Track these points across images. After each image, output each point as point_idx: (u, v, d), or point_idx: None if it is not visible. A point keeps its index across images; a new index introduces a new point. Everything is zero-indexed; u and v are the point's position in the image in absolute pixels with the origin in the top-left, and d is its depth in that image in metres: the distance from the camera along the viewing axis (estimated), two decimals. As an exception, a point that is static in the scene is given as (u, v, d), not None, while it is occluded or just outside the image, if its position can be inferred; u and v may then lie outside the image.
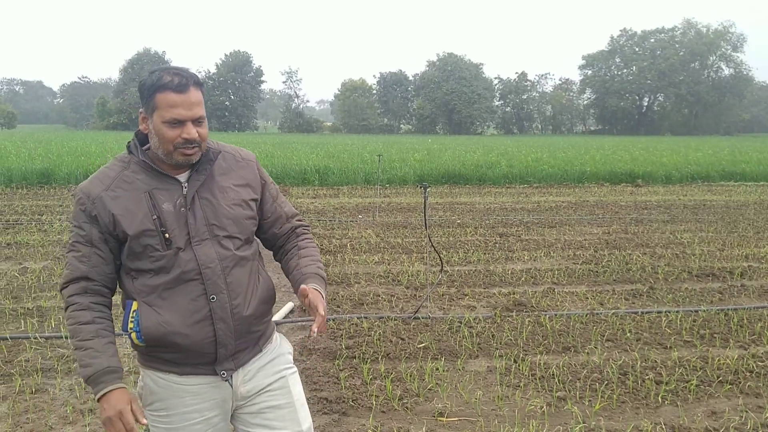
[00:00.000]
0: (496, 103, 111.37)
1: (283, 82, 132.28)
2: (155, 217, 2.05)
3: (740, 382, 4.79)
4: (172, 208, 2.08)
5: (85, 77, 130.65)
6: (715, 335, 5.84)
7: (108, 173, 2.13)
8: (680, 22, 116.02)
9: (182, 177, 2.14)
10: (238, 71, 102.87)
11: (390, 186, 19.23)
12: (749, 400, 4.54)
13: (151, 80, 2.05)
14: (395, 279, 7.78)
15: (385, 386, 4.63)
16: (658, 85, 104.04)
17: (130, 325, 2.07)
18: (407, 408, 4.38)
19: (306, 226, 2.46)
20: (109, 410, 2.02)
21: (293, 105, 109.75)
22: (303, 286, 2.14)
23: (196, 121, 2.08)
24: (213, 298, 2.09)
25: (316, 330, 2.08)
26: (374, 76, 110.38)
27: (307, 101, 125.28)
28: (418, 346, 5.51)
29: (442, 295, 7.12)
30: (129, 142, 2.17)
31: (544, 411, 4.34)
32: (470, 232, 11.13)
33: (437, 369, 5.03)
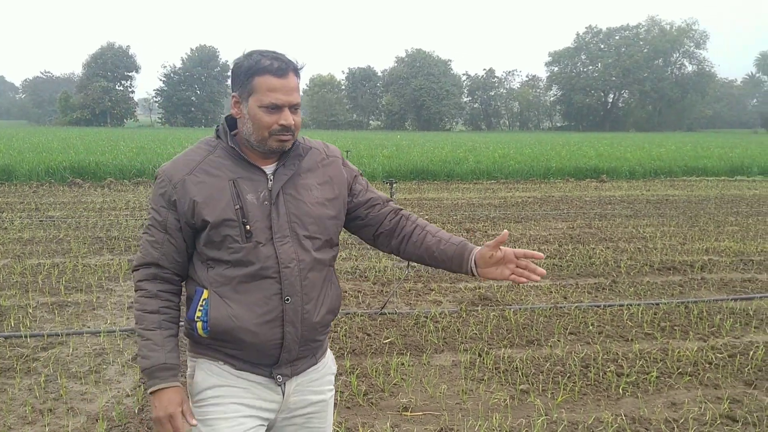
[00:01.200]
0: (465, 99, 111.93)
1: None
2: (238, 207, 1.97)
3: (699, 374, 4.89)
4: (256, 201, 1.99)
5: (48, 72, 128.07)
6: (675, 328, 5.95)
7: (193, 156, 2.04)
8: (644, 19, 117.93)
9: (268, 169, 2.05)
10: (205, 66, 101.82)
11: (358, 182, 19.19)
12: (708, 391, 4.64)
13: (249, 63, 1.96)
14: (362, 275, 7.78)
15: (350, 382, 4.64)
16: (622, 81, 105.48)
17: (198, 314, 2.01)
18: (372, 403, 4.39)
19: (403, 209, 2.32)
20: (160, 410, 1.99)
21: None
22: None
23: (293, 108, 1.99)
24: (287, 300, 2.00)
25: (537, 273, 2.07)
26: (343, 71, 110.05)
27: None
28: (384, 341, 5.52)
29: (409, 290, 7.15)
30: (218, 126, 2.10)
31: (507, 404, 4.38)
32: (439, 227, 11.15)
33: (403, 364, 5.04)
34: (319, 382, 2.21)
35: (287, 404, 2.13)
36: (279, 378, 2.08)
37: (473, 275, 2.16)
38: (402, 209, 2.30)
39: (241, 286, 1.99)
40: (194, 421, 2.02)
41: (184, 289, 2.14)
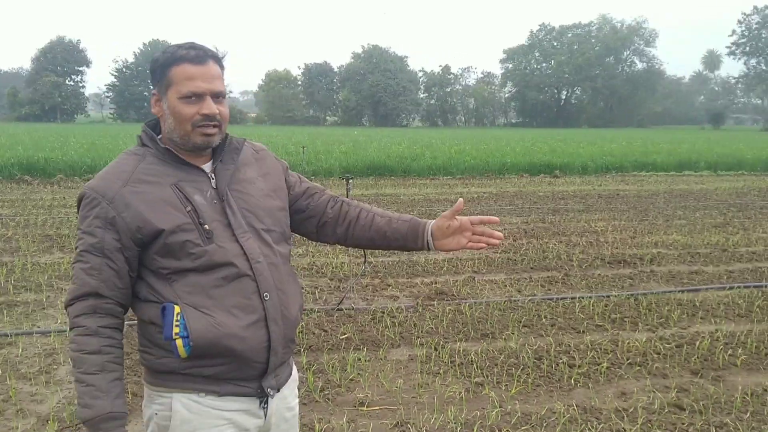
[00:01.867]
0: (421, 95, 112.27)
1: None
2: (189, 209, 1.82)
3: (648, 364, 5.03)
4: (204, 201, 1.86)
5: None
6: (625, 319, 6.10)
7: (122, 168, 1.86)
8: (596, 17, 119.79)
9: (206, 167, 1.93)
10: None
11: (315, 178, 19.13)
12: (657, 380, 4.77)
13: (165, 56, 1.86)
14: (319, 271, 7.78)
15: (306, 378, 4.64)
16: (575, 78, 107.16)
17: (175, 331, 1.77)
18: (329, 399, 4.41)
19: (338, 198, 2.23)
20: None
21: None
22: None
23: (216, 97, 1.86)
24: (266, 296, 1.87)
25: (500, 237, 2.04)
26: (299, 67, 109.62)
27: (231, 92, 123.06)
28: (341, 337, 5.54)
29: (366, 286, 7.17)
30: (140, 135, 1.94)
31: (462, 397, 4.44)
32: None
33: (359, 359, 5.07)
34: (293, 396, 2.11)
35: (267, 425, 1.99)
36: (270, 392, 1.94)
37: (429, 249, 2.12)
38: (340, 197, 2.24)
39: (215, 291, 1.83)
40: None
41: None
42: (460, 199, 2.02)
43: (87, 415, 1.76)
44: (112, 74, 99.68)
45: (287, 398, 2.06)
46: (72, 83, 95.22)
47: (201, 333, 1.79)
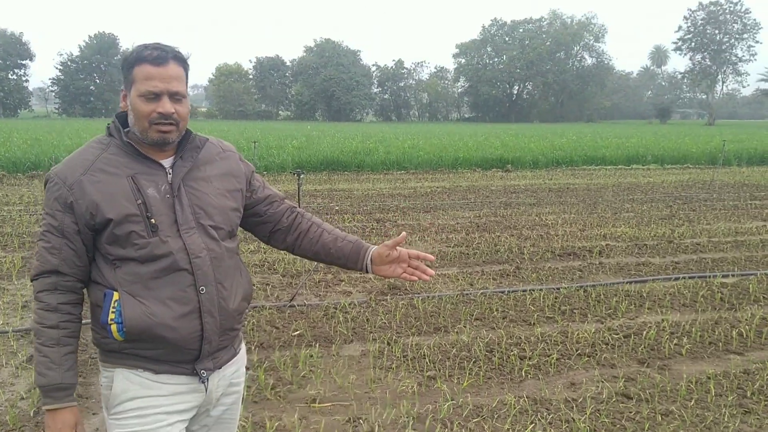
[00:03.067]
0: (375, 90, 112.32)
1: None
2: (140, 201, 1.94)
3: (597, 354, 5.11)
4: (158, 194, 1.97)
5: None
6: (574, 311, 6.19)
7: (86, 156, 1.98)
8: (547, 13, 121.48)
9: (166, 162, 2.03)
10: (104, 54, 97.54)
11: (267, 173, 18.98)
12: (605, 370, 4.86)
13: (131, 55, 1.97)
14: (271, 267, 7.70)
15: (257, 376, 4.58)
16: (526, 73, 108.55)
17: (111, 317, 1.93)
18: (280, 396, 4.36)
19: (295, 210, 2.37)
20: (53, 430, 1.97)
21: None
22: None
23: (173, 96, 1.96)
24: (202, 290, 1.99)
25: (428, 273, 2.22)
26: (250, 60, 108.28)
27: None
28: (293, 334, 5.49)
29: (319, 281, 7.12)
30: (109, 124, 2.05)
31: (415, 391, 4.45)
32: (348, 219, 11.19)
33: (311, 356, 5.03)
34: (238, 374, 2.24)
35: (209, 398, 2.13)
36: (203, 373, 2.05)
37: (366, 272, 2.26)
38: (297, 207, 2.37)
39: (153, 282, 1.95)
40: None
41: (86, 297, 2.07)
42: (403, 233, 2.16)
43: (41, 382, 1.97)
44: (57, 68, 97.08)
45: (230, 376, 2.20)
46: (15, 77, 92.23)
47: (134, 321, 1.93)
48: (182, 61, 2.01)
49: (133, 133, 2.00)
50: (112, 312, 1.94)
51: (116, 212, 1.92)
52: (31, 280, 2.03)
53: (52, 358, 1.95)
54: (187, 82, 2.04)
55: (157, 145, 2.00)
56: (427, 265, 2.28)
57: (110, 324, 1.94)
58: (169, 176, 2.01)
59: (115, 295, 1.95)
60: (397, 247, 2.21)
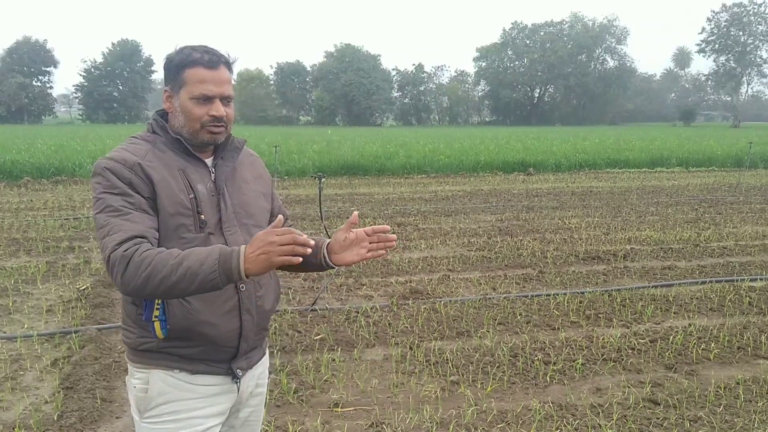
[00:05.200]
0: (395, 94, 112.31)
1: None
2: (192, 196, 1.96)
3: (623, 359, 5.03)
4: (205, 191, 2.00)
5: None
6: (599, 315, 6.11)
7: (137, 148, 1.98)
8: (568, 15, 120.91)
9: (208, 162, 2.07)
10: (127, 61, 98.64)
11: (288, 178, 19.05)
12: (631, 376, 4.78)
13: (180, 57, 1.98)
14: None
15: (280, 380, 4.57)
16: (548, 76, 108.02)
17: (155, 314, 1.93)
18: (302, 401, 4.34)
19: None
20: (260, 249, 1.73)
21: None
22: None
23: (224, 100, 2.01)
24: (242, 288, 2.01)
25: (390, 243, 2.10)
26: (271, 66, 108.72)
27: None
28: (315, 338, 5.47)
29: (340, 285, 7.11)
30: (151, 122, 2.07)
31: (438, 396, 4.41)
32: (369, 223, 11.16)
33: (334, 360, 5.01)
34: (264, 374, 2.28)
35: (240, 398, 2.16)
36: (239, 372, 2.08)
37: (326, 265, 2.14)
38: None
39: None
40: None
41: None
42: (355, 213, 2.10)
43: (212, 260, 1.75)
44: (81, 74, 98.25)
45: (259, 376, 2.23)
46: (39, 84, 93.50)
47: (178, 318, 1.93)
48: (230, 65, 2.05)
49: (178, 133, 2.03)
50: (156, 309, 1.93)
51: (172, 203, 1.93)
52: (111, 253, 1.79)
53: (196, 252, 1.78)
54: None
55: (206, 145, 2.04)
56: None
57: (154, 321, 1.94)
58: (213, 175, 2.05)
59: None
60: (353, 229, 2.11)
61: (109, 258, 1.80)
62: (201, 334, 1.97)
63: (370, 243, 2.12)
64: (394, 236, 2.15)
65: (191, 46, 2.01)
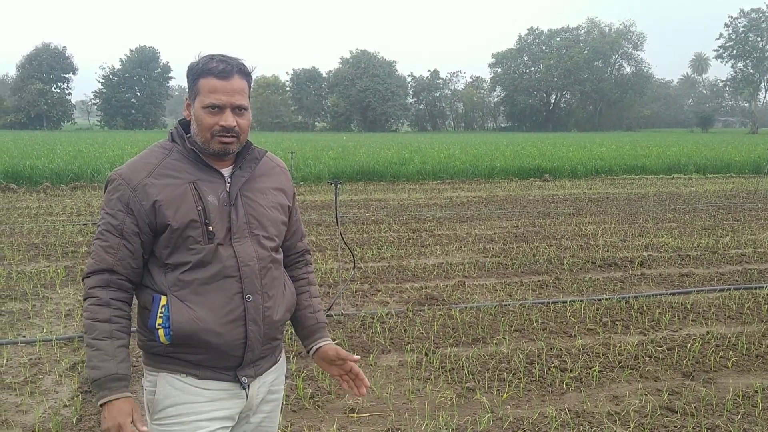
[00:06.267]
0: (410, 100, 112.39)
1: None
2: (200, 208, 1.99)
3: (640, 367, 5.00)
4: (216, 202, 2.02)
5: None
6: (616, 322, 6.08)
7: (150, 159, 2.04)
8: (584, 21, 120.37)
9: (225, 171, 2.08)
10: (145, 67, 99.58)
11: (304, 184, 19.11)
12: (648, 383, 4.75)
13: (197, 66, 2.01)
14: (308, 277, 7.71)
15: (296, 385, 4.59)
16: (564, 82, 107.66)
17: (159, 321, 1.97)
18: (318, 406, 4.35)
19: (310, 254, 2.46)
20: (110, 420, 1.93)
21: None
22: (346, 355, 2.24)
23: (236, 110, 2.02)
24: (249, 298, 2.03)
25: (362, 389, 2.28)
26: (287, 72, 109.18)
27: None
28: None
29: (356, 291, 7.12)
30: (172, 130, 2.13)
31: (453, 402, 4.40)
32: (384, 229, 11.18)
33: (349, 365, 5.01)
34: (277, 382, 2.26)
35: (249, 405, 2.15)
36: (244, 380, 2.08)
37: (308, 353, 2.32)
38: (308, 251, 2.44)
39: (202, 288, 1.99)
40: (145, 429, 1.95)
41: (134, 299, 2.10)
42: (357, 357, 2.26)
43: (95, 375, 1.94)
44: (99, 81, 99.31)
45: (270, 383, 2.22)
46: (58, 90, 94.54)
47: (181, 325, 1.97)
48: (246, 75, 2.05)
49: (195, 141, 2.06)
50: (160, 317, 1.98)
51: (178, 217, 1.96)
52: (84, 278, 2.04)
53: (106, 350, 1.94)
54: (249, 94, 2.09)
55: (218, 155, 2.05)
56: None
57: (158, 328, 1.98)
58: (228, 185, 2.06)
59: (163, 300, 1.99)
60: (345, 361, 2.25)
61: (83, 281, 2.04)
62: (205, 341, 1.99)
63: (347, 376, 2.27)
64: (364, 392, 2.30)
65: (210, 55, 2.03)
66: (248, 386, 2.10)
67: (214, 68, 1.98)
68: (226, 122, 1.99)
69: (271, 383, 2.23)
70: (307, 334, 2.31)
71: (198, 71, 2.00)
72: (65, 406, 4.36)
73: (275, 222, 2.15)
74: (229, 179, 2.07)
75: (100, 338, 1.95)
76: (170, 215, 1.96)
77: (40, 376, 4.84)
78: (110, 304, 1.97)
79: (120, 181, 2.00)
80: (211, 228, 1.99)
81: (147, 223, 1.98)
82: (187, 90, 2.09)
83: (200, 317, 1.97)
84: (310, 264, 2.42)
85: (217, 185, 2.04)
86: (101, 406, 1.94)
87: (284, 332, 2.28)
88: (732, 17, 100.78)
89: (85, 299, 2.01)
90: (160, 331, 1.98)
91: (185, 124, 2.13)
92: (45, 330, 5.86)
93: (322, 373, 4.82)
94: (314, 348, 2.29)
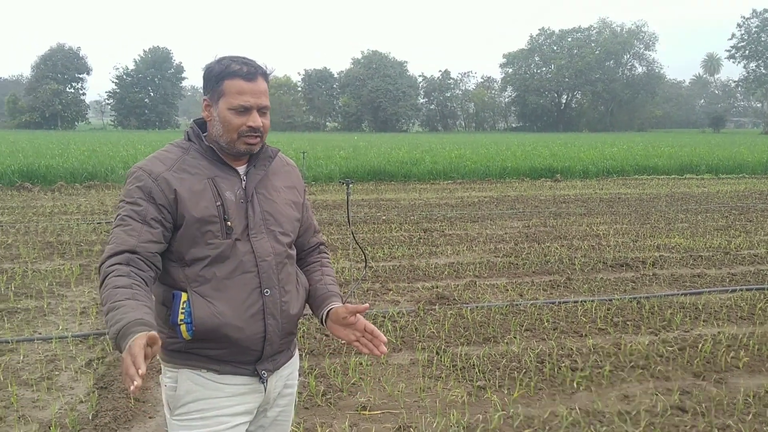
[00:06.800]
0: (421, 100, 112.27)
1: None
2: (219, 203, 2.03)
3: (651, 367, 5.01)
4: (233, 198, 2.07)
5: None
6: (627, 322, 6.08)
7: (169, 156, 2.07)
8: (596, 21, 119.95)
9: (241, 169, 2.13)
10: (158, 67, 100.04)
11: (316, 183, 19.17)
12: (659, 383, 4.76)
13: (220, 67, 2.04)
14: (320, 276, 7.75)
15: (308, 383, 4.63)
16: (575, 82, 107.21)
17: (180, 317, 1.98)
18: (331, 403, 4.40)
19: (326, 246, 2.49)
20: (126, 358, 1.61)
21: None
22: (349, 306, 2.18)
23: (261, 111, 2.07)
24: (267, 292, 2.07)
25: (382, 347, 2.17)
26: (299, 73, 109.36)
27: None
28: (342, 341, 5.51)
29: (367, 290, 7.16)
30: (187, 130, 2.16)
31: (464, 400, 4.43)
32: (395, 228, 11.21)
33: (361, 364, 5.05)
34: (292, 376, 2.31)
35: (267, 398, 2.20)
36: (263, 374, 2.12)
37: (323, 324, 2.26)
38: (323, 243, 2.45)
39: (222, 284, 2.03)
40: (143, 367, 1.58)
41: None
42: (366, 304, 2.17)
43: (118, 327, 1.70)
44: (113, 81, 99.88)
45: (286, 377, 2.27)
46: (72, 90, 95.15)
47: (203, 320, 1.99)
48: (267, 76, 2.11)
49: (216, 141, 2.09)
50: (182, 313, 1.99)
51: (197, 210, 2.00)
52: (101, 264, 1.92)
53: (128, 305, 1.75)
54: None
55: (241, 155, 2.10)
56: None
57: (180, 324, 1.99)
58: (243, 182, 2.11)
59: (184, 296, 2.01)
60: (358, 315, 2.19)
61: (99, 268, 1.94)
62: (226, 336, 2.02)
63: (362, 336, 2.19)
64: (385, 349, 2.19)
65: (230, 57, 2.06)
66: (267, 380, 2.14)
67: (239, 70, 2.02)
68: (254, 123, 2.04)
69: (287, 377, 2.27)
70: (318, 303, 2.28)
71: (222, 73, 2.03)
72: (81, 402, 4.42)
73: (290, 219, 2.19)
74: (245, 177, 2.12)
75: (120, 299, 1.77)
76: (191, 208, 1.99)
77: (57, 373, 4.91)
78: (130, 275, 1.86)
79: (141, 173, 2.02)
80: (229, 223, 2.03)
81: (169, 212, 1.99)
82: (202, 91, 2.12)
83: (221, 312, 2.00)
84: (326, 253, 2.44)
85: (233, 182, 2.09)
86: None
87: (298, 326, 2.31)
88: (744, 17, 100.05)
89: (102, 279, 1.86)
90: (183, 327, 1.99)
91: (199, 124, 2.17)
92: (61, 327, 5.93)
93: (335, 371, 4.87)
94: (325, 312, 2.23)
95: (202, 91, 2.15)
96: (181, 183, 2.01)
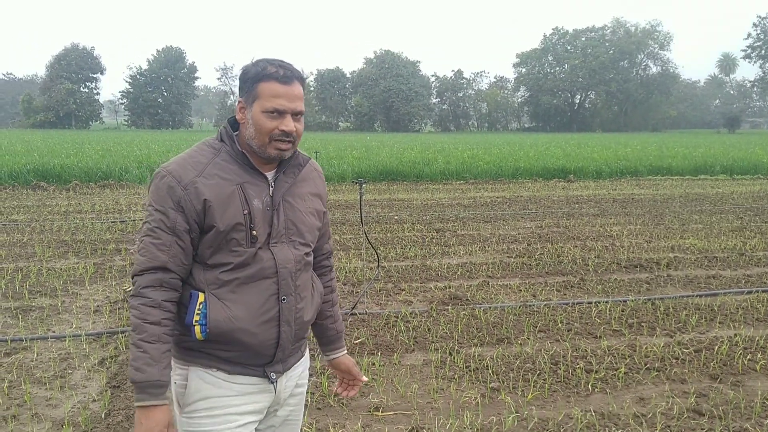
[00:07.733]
0: (433, 100, 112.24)
1: (218, 79, 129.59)
2: (246, 212, 2.01)
3: (666, 369, 4.96)
4: (261, 206, 2.05)
5: (10, 74, 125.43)
6: (642, 324, 6.03)
7: (199, 158, 2.05)
8: (610, 21, 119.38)
9: (269, 175, 2.11)
10: (171, 67, 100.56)
11: (328, 183, 19.16)
12: (675, 386, 4.71)
13: (256, 70, 2.02)
14: (332, 276, 7.74)
15: (320, 383, 4.62)
16: (589, 82, 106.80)
17: (196, 318, 2.00)
18: (343, 404, 4.38)
19: (332, 255, 2.50)
20: (146, 427, 1.94)
21: (229, 102, 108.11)
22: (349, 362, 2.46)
23: (295, 115, 2.05)
24: (284, 299, 2.08)
25: (352, 393, 2.50)
26: (311, 73, 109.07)
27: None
28: (355, 342, 5.51)
29: (380, 290, 7.14)
30: (221, 129, 2.13)
31: (478, 402, 4.40)
32: (408, 228, 11.19)
33: (373, 364, 5.04)
34: (303, 375, 2.32)
35: (278, 398, 2.20)
36: (273, 375, 2.13)
37: (324, 356, 2.49)
38: (331, 253, 2.48)
39: (240, 288, 2.03)
40: None
41: None
42: (365, 379, 2.52)
43: (138, 378, 1.94)
44: (126, 81, 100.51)
45: (297, 377, 2.28)
46: (86, 90, 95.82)
47: (218, 323, 2.00)
48: (303, 81, 2.10)
49: (248, 144, 2.07)
50: (197, 314, 2.00)
51: (225, 218, 1.99)
52: (134, 276, 2.02)
53: (152, 354, 1.94)
54: None
55: (272, 160, 2.07)
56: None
57: (194, 325, 2.01)
58: (271, 189, 2.09)
59: (201, 297, 2.01)
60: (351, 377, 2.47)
61: (133, 279, 2.03)
62: (239, 340, 2.03)
63: (343, 380, 2.49)
64: (353, 393, 2.52)
65: (267, 60, 2.04)
66: (276, 381, 2.15)
67: (275, 73, 2.00)
68: (287, 127, 2.01)
69: (299, 376, 2.28)
70: (326, 342, 2.43)
71: (257, 75, 2.01)
72: (94, 400, 4.43)
73: (311, 228, 2.19)
74: (273, 183, 2.10)
75: (148, 341, 1.94)
76: (218, 216, 1.98)
77: (70, 371, 4.92)
78: (162, 306, 1.97)
79: (170, 178, 1.99)
80: (254, 232, 2.02)
81: (196, 221, 2.00)
82: (240, 93, 2.09)
83: (236, 316, 2.01)
84: (333, 269, 2.47)
85: (261, 189, 2.07)
86: (139, 408, 1.96)
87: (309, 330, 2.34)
88: (761, 17, 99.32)
89: (133, 296, 2.00)
90: (197, 328, 2.01)
91: (232, 123, 2.14)
92: (74, 326, 5.95)
93: (347, 372, 4.84)
94: (332, 357, 2.44)
95: (237, 93, 2.12)
96: (211, 189, 1.99)
